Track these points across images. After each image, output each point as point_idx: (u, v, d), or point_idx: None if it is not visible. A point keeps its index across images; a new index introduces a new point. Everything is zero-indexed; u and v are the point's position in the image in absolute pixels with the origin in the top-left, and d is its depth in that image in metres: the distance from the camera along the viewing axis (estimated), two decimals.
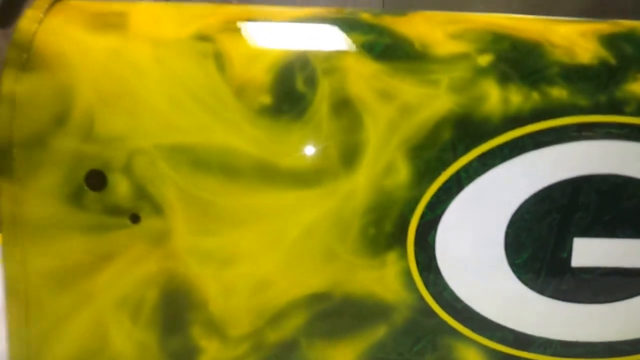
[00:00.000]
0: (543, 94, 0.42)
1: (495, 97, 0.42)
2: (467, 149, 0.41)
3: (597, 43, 0.44)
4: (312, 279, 0.42)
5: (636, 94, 0.43)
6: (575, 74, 0.43)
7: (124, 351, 0.42)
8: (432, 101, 0.41)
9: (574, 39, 0.45)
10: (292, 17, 0.45)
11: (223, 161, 0.40)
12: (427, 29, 0.44)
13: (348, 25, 0.44)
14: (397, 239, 0.42)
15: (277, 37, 0.43)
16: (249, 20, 0.44)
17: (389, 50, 0.43)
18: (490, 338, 0.43)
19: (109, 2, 0.45)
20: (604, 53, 0.44)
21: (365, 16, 0.45)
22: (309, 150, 0.41)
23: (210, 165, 0.40)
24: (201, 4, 0.46)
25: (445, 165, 0.41)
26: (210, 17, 0.44)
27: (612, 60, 0.44)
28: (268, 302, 0.42)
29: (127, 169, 0.40)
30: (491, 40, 0.44)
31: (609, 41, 0.44)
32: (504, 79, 0.42)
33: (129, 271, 0.41)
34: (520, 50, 0.44)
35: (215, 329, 0.42)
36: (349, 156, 0.41)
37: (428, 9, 0.47)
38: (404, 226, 0.41)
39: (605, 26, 0.46)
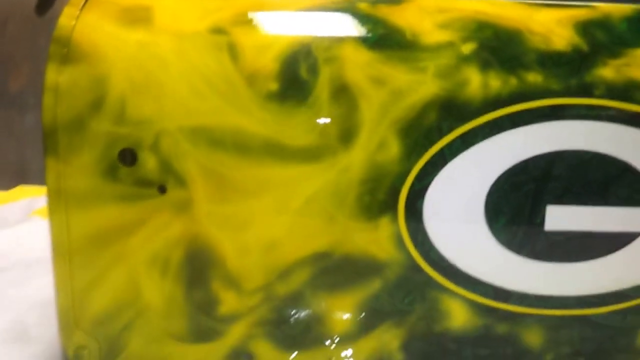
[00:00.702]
0: (520, 78, 0.47)
1: (476, 82, 0.47)
2: (450, 129, 0.47)
3: (572, 30, 0.49)
4: (315, 241, 0.49)
5: (604, 78, 0.48)
6: (549, 60, 0.48)
7: (154, 301, 0.49)
8: (420, 86, 0.47)
9: (551, 26, 0.49)
10: (297, 7, 0.50)
11: (236, 140, 0.47)
12: (418, 18, 0.50)
13: (347, 16, 0.49)
14: (389, 206, 0.48)
15: (283, 28, 0.49)
16: (258, 11, 0.49)
17: (382, 40, 0.48)
18: (473, 291, 0.50)
19: None
20: (577, 40, 0.49)
21: (363, 6, 0.50)
22: (312, 130, 0.47)
23: (225, 144, 0.47)
24: None
25: (431, 142, 0.47)
26: (224, 10, 0.49)
27: (585, 47, 0.48)
28: (277, 260, 0.49)
29: (155, 147, 0.47)
30: (475, 29, 0.49)
31: (584, 28, 0.49)
32: (485, 66, 0.47)
33: (158, 234, 0.48)
34: (501, 38, 0.49)
35: (232, 283, 0.49)
36: (346, 135, 0.47)
37: None
38: (395, 195, 0.48)
39: (583, 12, 0.51)
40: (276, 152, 0.47)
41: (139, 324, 0.50)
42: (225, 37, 0.48)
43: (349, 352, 0.51)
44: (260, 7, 0.50)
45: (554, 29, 0.49)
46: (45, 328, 0.60)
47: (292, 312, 0.50)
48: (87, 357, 0.50)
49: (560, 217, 0.48)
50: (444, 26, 0.49)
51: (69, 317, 0.50)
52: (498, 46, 0.48)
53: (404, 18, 0.50)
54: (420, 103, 0.47)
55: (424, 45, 0.48)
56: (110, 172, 0.47)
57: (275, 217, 0.48)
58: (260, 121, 0.47)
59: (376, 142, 0.47)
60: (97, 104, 0.47)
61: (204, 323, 0.50)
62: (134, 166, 0.47)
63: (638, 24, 0.50)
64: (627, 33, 0.49)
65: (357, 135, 0.47)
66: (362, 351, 0.51)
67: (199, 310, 0.50)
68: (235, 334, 0.50)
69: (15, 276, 0.73)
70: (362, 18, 0.49)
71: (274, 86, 0.47)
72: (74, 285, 0.49)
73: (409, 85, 0.47)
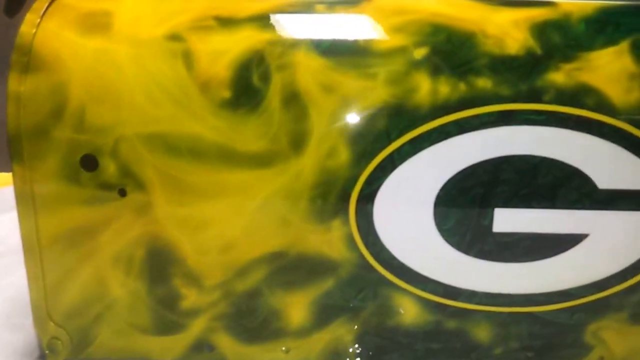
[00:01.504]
0: (469, 84, 0.48)
1: (425, 88, 0.48)
2: (399, 135, 0.48)
3: (528, 32, 0.49)
4: (270, 241, 0.51)
5: (555, 83, 0.48)
6: (501, 65, 0.48)
7: (120, 297, 0.53)
8: (369, 93, 0.48)
9: (507, 28, 0.49)
10: (253, 11, 0.51)
11: (191, 146, 0.49)
12: (374, 21, 0.50)
13: (302, 20, 0.50)
14: (340, 209, 0.50)
15: (238, 33, 0.49)
16: (216, 15, 0.50)
17: (334, 45, 0.49)
18: (423, 289, 0.52)
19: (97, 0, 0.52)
20: (531, 43, 0.49)
21: (320, 9, 0.51)
22: (263, 137, 0.48)
23: (181, 150, 0.49)
24: None
25: (380, 148, 0.48)
26: (182, 14, 0.50)
27: (538, 50, 0.49)
28: (234, 259, 0.51)
29: (114, 153, 0.49)
30: (429, 33, 0.49)
31: (539, 30, 0.49)
32: (435, 72, 0.48)
33: (121, 234, 0.51)
34: (454, 42, 0.49)
35: (193, 280, 0.52)
36: (297, 142, 0.48)
37: None
38: (346, 198, 0.49)
39: (542, 12, 0.50)
40: (230, 157, 0.49)
41: (107, 318, 0.53)
42: (181, 44, 0.49)
43: (305, 345, 0.54)
44: (218, 11, 0.51)
45: (509, 31, 0.49)
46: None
47: (250, 308, 0.53)
48: (60, 347, 0.54)
49: (508, 220, 0.50)
50: (398, 30, 0.49)
51: (42, 311, 0.53)
52: (450, 51, 0.49)
53: (359, 21, 0.50)
54: (370, 110, 0.48)
55: (375, 50, 0.49)
56: (73, 177, 0.50)
57: (231, 219, 0.50)
58: (213, 128, 0.48)
59: (326, 149, 0.48)
60: (57, 112, 0.49)
61: (167, 317, 0.53)
62: (95, 171, 0.49)
63: (596, 25, 0.50)
64: (583, 35, 0.49)
65: (308, 142, 0.48)
66: (317, 344, 0.54)
67: (163, 305, 0.53)
68: (197, 327, 0.53)
69: (11, 261, 0.76)
70: (317, 22, 0.50)
71: (226, 94, 0.48)
72: (46, 282, 0.52)
73: (358, 93, 0.48)
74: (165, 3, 0.51)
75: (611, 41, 0.49)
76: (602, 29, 0.49)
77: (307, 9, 0.51)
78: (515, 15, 0.50)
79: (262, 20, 0.50)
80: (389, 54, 0.49)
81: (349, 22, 0.50)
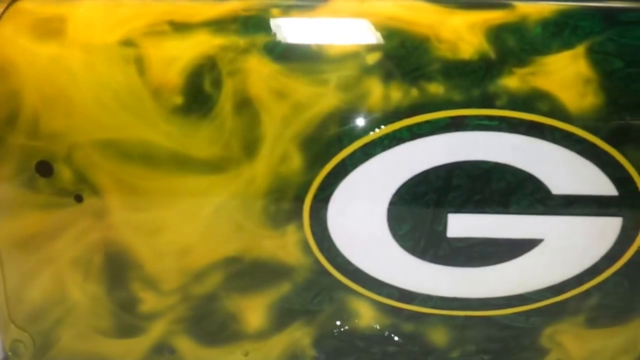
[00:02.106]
0: (421, 90, 0.48)
1: (377, 94, 0.48)
2: (351, 141, 0.48)
3: (483, 36, 0.49)
4: (225, 246, 0.51)
5: (508, 88, 0.48)
6: (454, 70, 0.48)
7: (80, 300, 0.53)
8: (321, 99, 0.48)
9: (462, 32, 0.49)
10: (208, 15, 0.50)
11: (144, 153, 0.49)
12: (329, 26, 0.50)
13: (256, 25, 0.50)
14: (294, 215, 0.50)
15: (191, 39, 0.49)
16: (170, 20, 0.50)
17: (288, 51, 0.49)
18: (379, 294, 0.52)
19: (53, 4, 0.52)
20: (486, 47, 0.49)
21: (275, 12, 0.51)
22: (215, 143, 0.48)
23: (134, 156, 0.49)
24: (136, 1, 0.52)
25: (332, 154, 0.48)
26: (137, 19, 0.50)
27: (492, 55, 0.48)
28: (191, 264, 0.52)
29: (68, 160, 0.49)
30: (384, 37, 0.49)
31: (495, 33, 0.49)
32: (387, 77, 0.48)
33: (78, 239, 0.51)
34: (407, 47, 0.49)
35: (151, 284, 0.52)
36: (250, 148, 0.49)
37: None
38: (299, 204, 0.50)
39: (499, 15, 0.50)
40: (183, 164, 0.49)
41: (68, 321, 0.54)
42: (134, 49, 0.49)
43: (263, 347, 0.54)
44: (173, 16, 0.51)
45: (464, 35, 0.49)
46: None
47: (209, 311, 0.53)
48: (23, 350, 0.55)
49: (462, 225, 0.50)
50: (351, 35, 0.49)
51: (4, 314, 0.54)
52: (403, 55, 0.49)
53: (313, 26, 0.50)
54: (321, 116, 0.48)
55: (328, 55, 0.49)
56: (29, 183, 0.50)
57: (186, 225, 0.51)
58: (166, 134, 0.49)
59: (279, 155, 0.49)
60: (11, 119, 0.49)
61: (127, 320, 0.54)
62: (50, 177, 0.50)
63: (553, 29, 0.49)
64: (539, 38, 0.49)
65: (260, 148, 0.49)
66: (276, 347, 0.54)
67: (122, 309, 0.53)
68: (156, 330, 0.54)
69: None
70: (271, 27, 0.50)
71: (178, 100, 0.48)
72: (6, 286, 0.53)
73: (309, 98, 0.48)
74: (122, 8, 0.51)
75: (567, 45, 0.49)
76: (559, 32, 0.49)
77: (262, 13, 0.51)
78: (472, 19, 0.50)
79: (216, 25, 0.50)
80: (341, 59, 0.49)
81: (303, 27, 0.50)
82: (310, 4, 0.51)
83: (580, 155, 0.48)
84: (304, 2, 0.51)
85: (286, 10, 0.51)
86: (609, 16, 0.50)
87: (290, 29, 0.50)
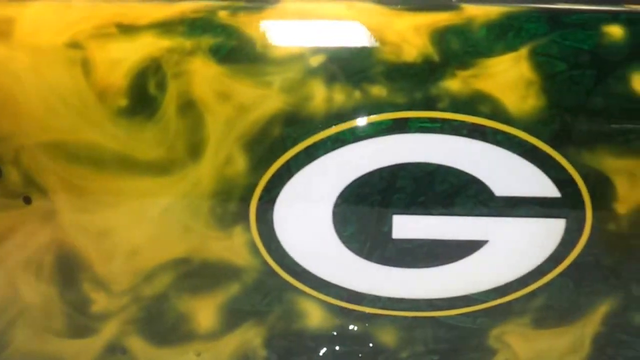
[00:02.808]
0: (364, 92, 0.48)
1: (320, 96, 0.48)
2: (295, 143, 0.49)
3: (427, 39, 0.49)
4: (174, 247, 0.52)
5: (450, 91, 0.48)
6: (397, 73, 0.49)
7: (32, 301, 0.54)
8: (265, 101, 0.49)
9: (407, 35, 0.50)
10: (156, 17, 0.51)
11: (91, 155, 0.50)
12: (275, 28, 0.50)
13: (202, 27, 0.50)
14: (241, 216, 0.51)
15: (137, 41, 0.50)
16: (118, 23, 0.51)
17: (232, 53, 0.49)
18: (327, 294, 0.53)
19: (0, 6, 0.52)
20: (430, 49, 0.49)
21: (223, 15, 0.51)
22: (160, 145, 0.49)
23: (81, 158, 0.50)
24: (85, 3, 0.53)
25: (276, 156, 0.49)
26: (86, 21, 0.51)
27: (436, 57, 0.49)
28: (140, 265, 0.52)
29: (16, 162, 0.50)
30: (328, 39, 0.50)
31: (439, 36, 0.49)
32: (330, 79, 0.49)
33: (28, 240, 0.52)
34: (351, 50, 0.49)
35: (101, 285, 0.53)
36: (194, 150, 0.49)
37: None
38: (245, 206, 0.50)
39: (445, 17, 0.51)
40: (129, 165, 0.50)
41: (21, 322, 0.55)
42: (80, 52, 0.50)
43: (215, 348, 0.55)
44: (121, 18, 0.51)
45: (408, 37, 0.50)
46: None
47: (160, 312, 0.54)
48: None
49: (407, 226, 0.50)
50: (296, 37, 0.50)
51: None
52: (347, 58, 0.49)
53: (258, 28, 0.50)
54: (265, 118, 0.49)
55: (272, 57, 0.49)
56: None
57: (134, 226, 0.51)
58: (112, 136, 0.49)
59: (223, 156, 0.49)
60: None
61: (79, 321, 0.54)
62: None
63: (497, 31, 0.50)
64: (483, 41, 0.49)
65: (205, 150, 0.49)
66: (227, 347, 0.55)
67: (74, 309, 0.54)
68: (108, 331, 0.55)
69: None
70: (218, 28, 0.50)
71: (123, 102, 0.49)
72: None
73: (253, 100, 0.49)
74: (70, 10, 0.52)
75: (510, 47, 0.49)
76: (503, 34, 0.50)
77: (209, 15, 0.51)
78: (417, 21, 0.50)
79: (162, 27, 0.50)
80: (285, 61, 0.49)
81: (249, 29, 0.50)
82: (258, 5, 0.52)
83: (522, 157, 0.49)
84: (252, 4, 0.52)
85: (234, 12, 0.51)
86: (554, 18, 0.50)
87: (236, 31, 0.50)
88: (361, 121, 0.48)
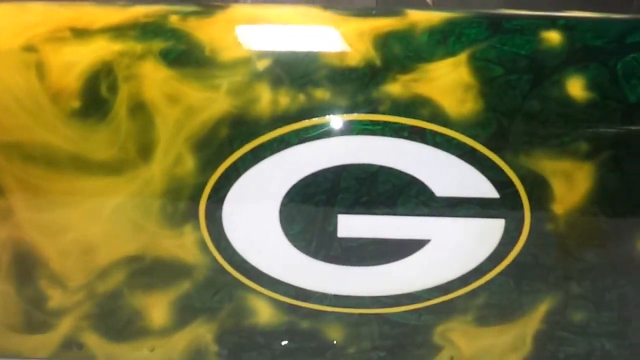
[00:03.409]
0: (308, 95, 0.51)
1: (266, 99, 0.51)
2: (241, 144, 0.51)
3: (371, 44, 0.52)
4: (126, 245, 0.54)
5: (390, 94, 0.51)
6: (340, 77, 0.51)
7: None
8: (212, 104, 0.51)
9: (351, 40, 0.52)
10: (110, 21, 0.53)
11: (45, 155, 0.52)
12: (222, 33, 0.53)
13: (154, 31, 0.52)
14: (190, 215, 0.53)
15: (90, 45, 0.52)
16: (72, 26, 0.53)
17: (181, 57, 0.52)
18: (276, 292, 0.55)
19: None
20: (372, 54, 0.51)
21: (174, 20, 0.53)
22: (112, 146, 0.51)
23: (36, 158, 0.52)
24: (42, 7, 0.55)
25: (224, 157, 0.51)
26: (42, 25, 0.53)
27: (378, 62, 0.51)
28: (94, 262, 0.55)
29: None
30: (275, 43, 0.52)
31: (382, 41, 0.52)
32: (276, 83, 0.51)
33: None
34: (297, 53, 0.51)
35: (57, 281, 0.55)
36: (145, 150, 0.51)
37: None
38: (195, 205, 0.52)
39: (389, 22, 0.53)
40: (82, 166, 0.52)
41: None
42: (35, 55, 0.52)
43: (168, 343, 0.57)
44: (75, 22, 0.53)
45: (353, 43, 0.52)
46: None
47: (114, 308, 0.56)
48: None
49: (352, 225, 0.53)
50: (244, 41, 0.52)
51: None
52: (292, 62, 0.51)
53: (209, 32, 0.53)
54: (212, 120, 0.51)
55: (220, 61, 0.51)
56: None
57: (88, 224, 0.54)
58: (65, 137, 0.51)
59: (173, 157, 0.51)
60: None
61: (36, 316, 0.57)
62: None
63: (438, 36, 0.52)
64: (424, 46, 0.52)
65: (155, 151, 0.51)
66: (179, 343, 0.57)
67: (31, 305, 0.56)
68: (64, 326, 0.57)
69: None
70: (168, 33, 0.52)
71: (76, 104, 0.51)
72: None
73: (201, 103, 0.51)
74: (27, 14, 0.54)
75: (450, 52, 0.51)
76: (444, 40, 0.52)
77: (160, 19, 0.53)
78: (363, 26, 0.53)
79: (115, 31, 0.53)
80: (233, 65, 0.51)
81: (199, 33, 0.52)
82: (209, 10, 0.54)
83: (461, 159, 0.51)
84: (203, 9, 0.54)
85: (185, 16, 0.54)
86: (494, 23, 0.52)
87: (186, 36, 0.52)
88: (306, 123, 0.50)
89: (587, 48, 0.52)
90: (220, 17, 0.54)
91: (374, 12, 0.54)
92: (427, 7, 0.57)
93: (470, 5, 0.58)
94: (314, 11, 0.54)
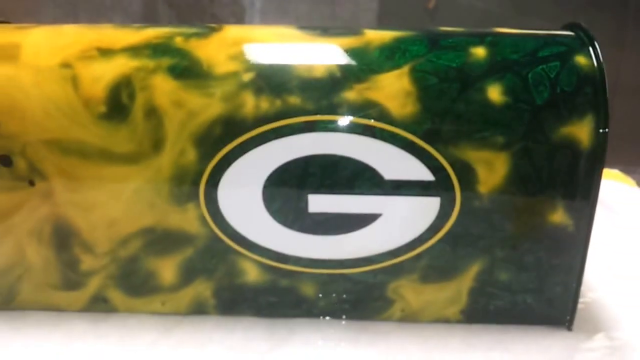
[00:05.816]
0: (283, 101, 0.68)
1: (250, 104, 0.68)
2: (231, 140, 0.69)
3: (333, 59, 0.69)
4: (143, 219, 0.72)
5: (348, 99, 0.68)
6: (308, 86, 0.68)
7: (35, 261, 0.75)
8: (208, 108, 0.69)
9: (318, 55, 0.69)
10: (127, 43, 0.71)
11: (79, 149, 0.70)
12: (216, 51, 0.70)
13: (162, 50, 0.70)
14: (193, 196, 0.71)
15: (113, 62, 0.70)
16: (98, 47, 0.71)
17: (185, 71, 0.69)
18: (260, 255, 0.73)
19: (9, 33, 0.73)
20: (334, 67, 0.69)
21: (178, 41, 0.71)
22: (131, 141, 0.69)
23: (71, 151, 0.70)
24: (74, 30, 0.73)
25: (218, 150, 0.69)
26: (73, 46, 0.71)
27: (338, 74, 0.69)
28: (117, 233, 0.73)
29: (23, 154, 0.71)
30: (258, 59, 0.70)
31: (344, 56, 0.69)
32: (258, 91, 0.68)
33: (32, 214, 0.73)
34: (274, 68, 0.69)
35: (88, 248, 0.74)
36: (156, 145, 0.69)
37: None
38: (196, 188, 0.70)
39: (349, 41, 0.70)
40: (108, 157, 0.70)
41: (26, 277, 0.76)
42: (70, 70, 0.70)
43: (175, 298, 0.75)
44: (100, 43, 0.71)
45: (319, 57, 0.69)
46: None
47: (133, 270, 0.75)
48: None
49: (320, 203, 0.70)
50: (233, 58, 0.70)
51: None
52: (270, 74, 0.69)
53: (205, 51, 0.71)
54: (209, 120, 0.69)
55: (215, 74, 0.69)
56: None
57: (112, 203, 0.72)
58: (95, 135, 0.70)
59: (178, 150, 0.69)
60: None
61: (71, 277, 0.75)
62: (11, 167, 0.71)
63: (387, 52, 0.69)
64: (376, 60, 0.69)
65: (164, 145, 0.69)
66: (185, 297, 0.76)
67: (67, 268, 0.75)
68: (93, 285, 0.75)
69: None
70: (174, 52, 0.70)
71: (103, 109, 0.69)
72: None
73: (200, 107, 0.69)
74: (61, 37, 0.73)
75: (396, 65, 0.69)
76: (391, 55, 0.69)
77: (168, 40, 0.71)
78: (328, 44, 0.70)
79: (132, 51, 0.71)
80: (224, 77, 0.69)
81: (198, 52, 0.70)
82: (206, 32, 0.72)
83: (403, 149, 0.68)
84: (201, 31, 0.72)
85: (187, 38, 0.72)
86: (433, 41, 0.70)
87: (188, 54, 0.70)
88: (281, 123, 0.68)
89: (505, 61, 0.69)
90: (215, 38, 0.72)
91: (337, 31, 0.72)
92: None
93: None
94: (290, 31, 0.72)
